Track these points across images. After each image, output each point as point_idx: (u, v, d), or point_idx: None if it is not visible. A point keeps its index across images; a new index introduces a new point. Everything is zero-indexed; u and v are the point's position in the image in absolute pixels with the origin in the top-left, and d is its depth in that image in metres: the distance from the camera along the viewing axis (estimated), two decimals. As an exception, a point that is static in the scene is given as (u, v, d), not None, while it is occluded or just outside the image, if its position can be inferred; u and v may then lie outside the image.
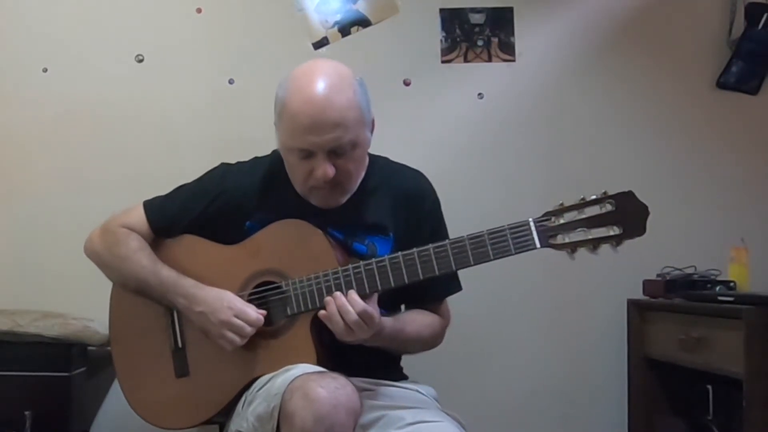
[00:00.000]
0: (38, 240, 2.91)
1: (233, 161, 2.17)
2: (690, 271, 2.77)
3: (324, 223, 2.01)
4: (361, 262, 1.91)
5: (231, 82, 2.97)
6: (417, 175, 2.14)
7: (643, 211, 1.77)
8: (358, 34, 2.98)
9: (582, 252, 1.80)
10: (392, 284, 1.89)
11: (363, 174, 2.04)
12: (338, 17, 2.98)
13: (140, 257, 2.07)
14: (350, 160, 1.96)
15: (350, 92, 1.93)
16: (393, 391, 2.02)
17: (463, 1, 3.02)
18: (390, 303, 2.03)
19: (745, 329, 2.25)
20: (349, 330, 1.85)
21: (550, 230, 1.80)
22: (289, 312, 1.96)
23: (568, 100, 3.04)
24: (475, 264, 1.85)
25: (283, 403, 1.76)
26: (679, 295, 2.68)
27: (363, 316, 1.84)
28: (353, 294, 1.86)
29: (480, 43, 3.02)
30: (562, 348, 2.99)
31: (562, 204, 1.81)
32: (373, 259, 1.90)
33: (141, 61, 2.95)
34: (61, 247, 2.82)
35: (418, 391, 2.06)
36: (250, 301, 2.00)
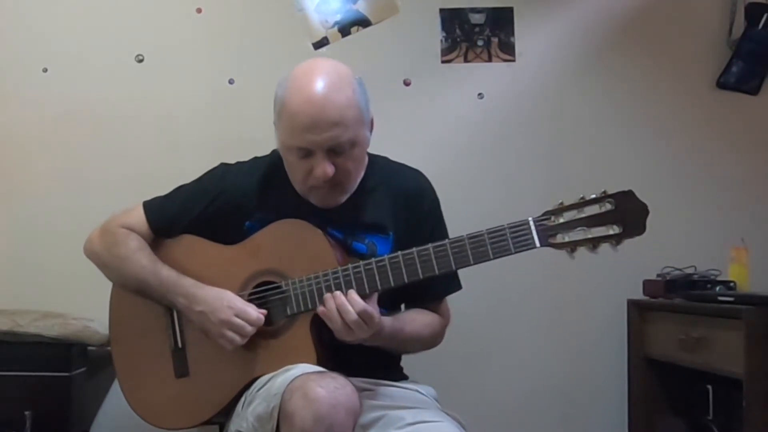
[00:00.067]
0: (38, 240, 2.91)
1: (233, 161, 2.17)
2: (690, 271, 2.77)
3: (324, 222, 2.01)
4: (361, 262, 1.91)
5: (231, 82, 2.97)
6: (416, 174, 2.14)
7: (642, 211, 1.77)
8: (358, 34, 2.98)
9: (582, 251, 1.80)
10: (392, 284, 1.89)
11: (362, 173, 2.04)
12: (338, 17, 2.98)
13: (140, 257, 2.07)
14: (349, 159, 1.96)
15: (349, 91, 1.93)
16: (393, 391, 2.02)
17: (463, 1, 3.02)
18: (390, 302, 2.03)
19: (745, 329, 2.25)
20: (348, 329, 1.85)
21: (550, 229, 1.80)
22: (288, 312, 1.96)
23: (568, 100, 3.04)
24: (475, 263, 1.85)
25: (282, 403, 1.76)
26: (679, 295, 2.68)
27: (363, 315, 1.84)
28: (353, 294, 1.86)
29: (480, 43, 3.02)
30: (562, 348, 2.99)
31: (561, 203, 1.81)
32: (373, 259, 1.90)
33: (141, 61, 2.95)
34: (61, 247, 2.82)
35: (418, 391, 2.06)
36: (249, 301, 2.00)
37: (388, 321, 1.94)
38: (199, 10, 2.97)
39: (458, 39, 3.02)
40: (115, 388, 2.18)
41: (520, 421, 2.96)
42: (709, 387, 2.60)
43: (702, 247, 2.92)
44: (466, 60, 3.02)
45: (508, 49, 3.02)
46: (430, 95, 3.00)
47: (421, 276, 1.87)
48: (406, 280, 1.88)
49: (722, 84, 3.03)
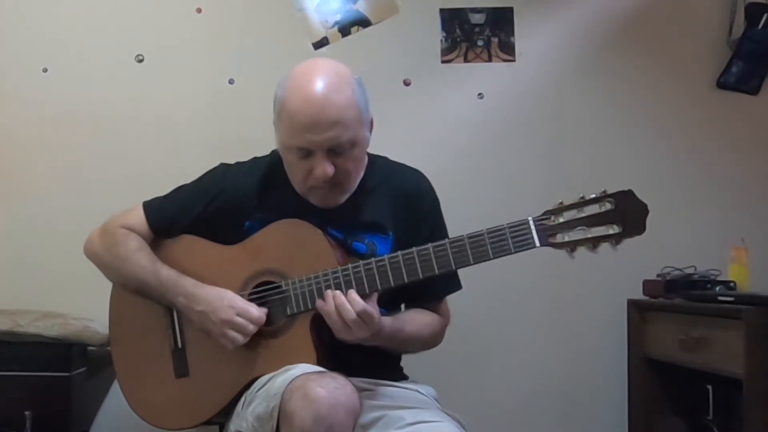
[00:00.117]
0: (38, 240, 2.91)
1: (233, 161, 2.17)
2: (690, 271, 2.77)
3: (323, 222, 2.01)
4: (361, 262, 1.91)
5: (231, 82, 2.97)
6: (416, 174, 2.14)
7: (642, 210, 1.77)
8: (358, 34, 2.98)
9: (582, 252, 1.80)
10: (392, 284, 1.89)
11: (362, 173, 2.04)
12: (338, 17, 2.98)
13: (139, 257, 2.07)
14: (349, 159, 1.96)
15: (349, 91, 1.93)
16: (393, 391, 2.02)
17: (463, 1, 3.02)
18: (390, 302, 2.03)
19: (745, 329, 2.25)
20: (348, 328, 1.85)
21: (550, 229, 1.80)
22: (288, 312, 1.96)
23: (568, 100, 3.04)
24: (475, 263, 1.85)
25: (282, 403, 1.76)
26: (679, 295, 2.68)
27: (362, 315, 1.84)
28: (353, 293, 1.86)
29: (480, 43, 3.02)
30: (562, 348, 2.99)
31: (561, 203, 1.81)
32: (373, 259, 1.90)
33: (141, 61, 2.95)
34: (61, 247, 2.81)
35: (418, 391, 2.06)
36: (249, 301, 2.00)
37: (387, 321, 1.94)
38: (199, 10, 2.97)
39: (458, 39, 3.02)
40: (115, 388, 2.18)
41: (520, 421, 2.96)
42: (709, 387, 2.60)
43: (702, 247, 2.92)
44: (466, 60, 3.02)
45: (508, 49, 3.02)
46: (430, 95, 3.00)
47: (420, 276, 1.87)
48: (406, 280, 1.88)
49: (722, 84, 3.03)
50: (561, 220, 1.80)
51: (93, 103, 2.94)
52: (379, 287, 1.89)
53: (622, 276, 2.89)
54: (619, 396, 2.93)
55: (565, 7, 3.03)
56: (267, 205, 2.07)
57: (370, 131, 2.03)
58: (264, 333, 1.98)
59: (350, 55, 2.85)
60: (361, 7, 2.98)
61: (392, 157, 2.17)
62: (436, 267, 1.86)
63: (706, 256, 2.80)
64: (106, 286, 2.16)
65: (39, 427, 2.44)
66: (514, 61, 3.02)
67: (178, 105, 2.96)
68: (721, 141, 3.05)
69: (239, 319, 1.95)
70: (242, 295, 2.00)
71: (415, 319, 2.05)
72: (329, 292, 1.88)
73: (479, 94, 3.01)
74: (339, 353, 1.93)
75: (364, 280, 1.89)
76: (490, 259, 1.83)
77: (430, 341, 2.10)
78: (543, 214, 1.81)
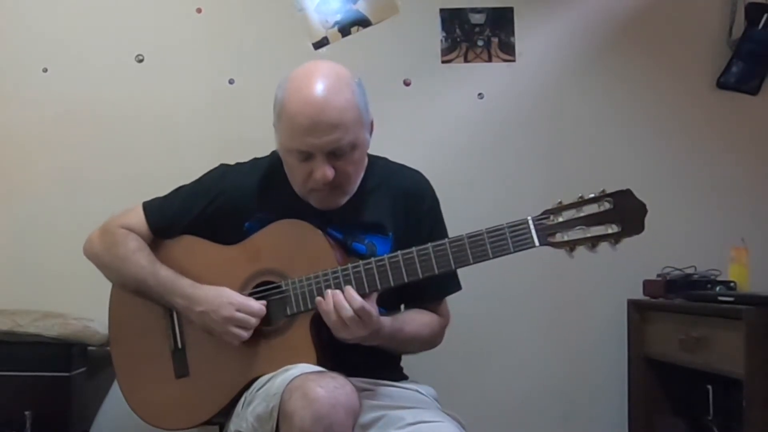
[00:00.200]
0: (38, 240, 2.90)
1: (233, 161, 2.17)
2: (690, 271, 2.77)
3: (323, 223, 2.01)
4: (361, 262, 1.91)
5: (231, 82, 2.97)
6: (416, 174, 2.14)
7: (641, 209, 1.77)
8: (358, 34, 2.98)
9: (582, 251, 1.80)
10: (392, 283, 1.89)
11: (362, 175, 2.04)
12: (338, 17, 2.98)
13: (139, 258, 2.07)
14: (349, 161, 1.96)
15: (349, 93, 1.93)
16: (393, 391, 2.02)
17: (463, 1, 3.01)
18: (389, 303, 2.03)
19: (745, 329, 2.25)
20: (345, 326, 1.85)
21: (549, 228, 1.80)
22: (288, 312, 1.96)
23: (568, 100, 3.03)
24: (475, 263, 1.85)
25: (282, 403, 1.76)
26: (679, 295, 2.68)
27: (360, 312, 1.84)
28: (350, 290, 1.86)
29: (480, 43, 3.02)
30: (562, 348, 2.99)
31: (560, 202, 1.81)
32: (373, 259, 1.90)
33: (141, 61, 2.95)
34: (61, 247, 2.81)
35: (418, 391, 2.06)
36: (249, 298, 2.01)
37: (387, 321, 1.94)
38: (199, 10, 2.97)
39: (458, 39, 3.02)
40: (115, 388, 2.18)
41: (520, 421, 2.96)
42: (709, 387, 2.60)
43: (702, 247, 2.92)
44: (466, 60, 3.02)
45: (508, 49, 3.02)
46: (430, 95, 3.00)
47: (420, 275, 1.87)
48: (405, 280, 1.88)
49: (722, 84, 3.03)
50: (560, 219, 1.80)
51: (93, 103, 2.93)
52: (379, 287, 1.89)
53: (622, 276, 2.89)
54: (619, 396, 2.93)
55: (565, 7, 3.03)
56: (267, 205, 2.07)
57: (371, 133, 2.03)
58: (264, 333, 1.98)
59: (350, 55, 2.86)
60: (361, 7, 2.98)
61: (392, 158, 2.17)
62: (435, 267, 1.86)
63: (706, 256, 2.80)
64: (106, 286, 2.16)
65: (39, 427, 2.44)
66: (514, 61, 3.01)
67: (178, 105, 2.96)
68: (721, 141, 3.05)
69: (240, 315, 1.95)
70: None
71: (414, 319, 2.05)
72: (329, 292, 1.88)
73: (479, 94, 3.01)
74: (339, 353, 1.93)
75: (364, 280, 1.89)
76: (489, 259, 1.83)
77: (429, 341, 2.10)
78: (542, 214, 1.81)
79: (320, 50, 2.96)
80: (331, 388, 1.74)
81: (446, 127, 3.00)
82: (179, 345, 2.07)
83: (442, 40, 3.02)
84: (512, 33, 3.02)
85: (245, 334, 1.96)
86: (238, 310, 1.96)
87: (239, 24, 2.99)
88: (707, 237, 2.96)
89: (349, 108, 1.92)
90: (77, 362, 2.53)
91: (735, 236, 2.75)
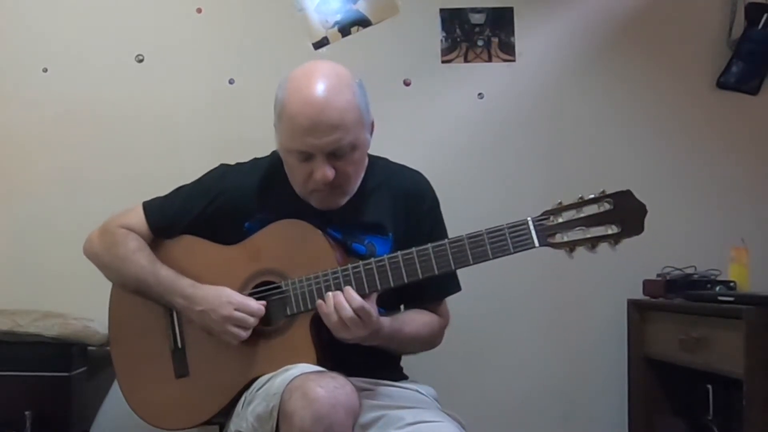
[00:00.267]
0: (38, 240, 2.91)
1: (233, 161, 2.18)
2: (690, 271, 2.76)
3: (323, 223, 2.01)
4: (361, 262, 1.91)
5: (231, 82, 2.97)
6: (416, 175, 2.14)
7: (641, 210, 1.77)
8: (358, 34, 2.98)
9: (582, 252, 1.80)
10: (392, 284, 1.89)
11: (362, 176, 2.04)
12: (338, 17, 2.98)
13: (139, 257, 2.07)
14: (350, 162, 1.96)
15: (349, 94, 1.93)
16: (393, 391, 2.02)
17: (463, 1, 3.01)
18: (389, 303, 2.03)
19: (745, 329, 2.24)
20: (344, 326, 1.85)
21: (549, 229, 1.80)
22: (288, 312, 1.96)
23: (568, 100, 3.03)
24: (474, 263, 1.85)
25: (282, 402, 1.76)
26: (679, 295, 2.67)
27: (359, 312, 1.84)
28: (350, 290, 1.86)
29: (480, 43, 3.02)
30: (562, 348, 2.99)
31: (560, 203, 1.81)
32: (373, 259, 1.90)
33: (141, 61, 2.95)
34: (61, 247, 2.82)
35: (418, 391, 2.06)
36: (248, 298, 2.01)
37: (386, 321, 1.94)
38: (199, 10, 2.97)
39: (458, 39, 3.02)
40: (115, 388, 2.18)
41: (520, 421, 2.96)
42: (709, 387, 2.60)
43: (702, 247, 2.92)
44: (466, 60, 3.02)
45: (508, 49, 3.02)
46: (430, 95, 3.00)
47: (420, 276, 1.87)
48: (405, 280, 1.88)
49: (722, 84, 3.03)
50: (560, 220, 1.80)
51: (93, 103, 2.93)
52: (379, 287, 1.89)
53: (622, 276, 2.89)
54: (619, 396, 2.93)
55: (565, 7, 3.03)
56: (267, 205, 2.07)
57: (371, 133, 2.03)
58: (264, 333, 1.98)
59: (350, 55, 2.86)
60: (361, 7, 2.98)
61: (392, 158, 2.17)
62: (435, 267, 1.86)
63: (706, 256, 2.80)
64: (106, 286, 2.17)
65: (39, 427, 2.44)
66: (514, 61, 3.01)
67: (178, 105, 2.96)
68: (721, 141, 3.05)
69: (239, 314, 1.95)
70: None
71: (414, 319, 2.05)
72: (330, 294, 1.88)
73: (479, 94, 3.01)
74: (339, 353, 1.93)
75: (364, 280, 1.89)
76: (489, 260, 1.84)
77: (429, 341, 2.10)
78: (542, 215, 1.81)
79: (320, 50, 2.96)
80: (331, 388, 1.74)
81: (446, 127, 3.00)
82: (179, 345, 2.07)
83: (442, 40, 3.02)
84: (512, 33, 3.02)
85: (244, 334, 1.96)
86: (237, 310, 1.96)
87: (239, 24, 2.99)
88: (707, 237, 2.96)
89: (349, 108, 1.92)
90: (77, 362, 2.53)
91: (735, 236, 2.75)
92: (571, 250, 1.80)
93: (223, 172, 2.15)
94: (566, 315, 2.99)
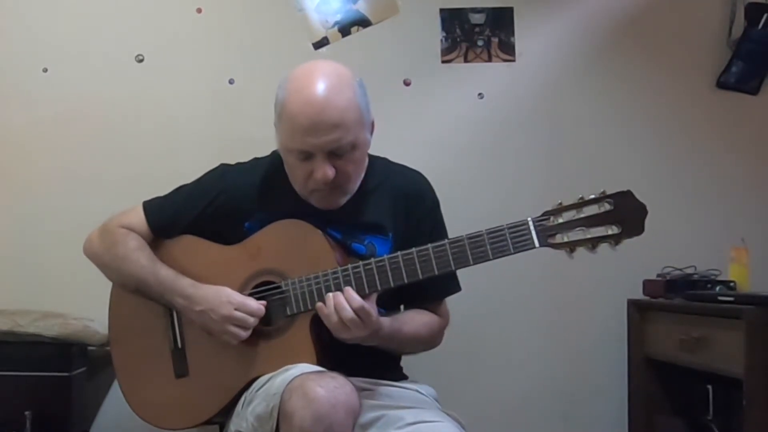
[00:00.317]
0: (38, 240, 2.90)
1: (233, 161, 2.17)
2: (690, 271, 2.77)
3: (323, 223, 2.01)
4: (361, 263, 1.91)
5: (231, 82, 2.97)
6: (416, 175, 2.14)
7: (641, 211, 1.77)
8: (358, 34, 2.98)
9: (582, 252, 1.80)
10: (392, 284, 1.89)
11: (362, 175, 2.04)
12: (338, 17, 2.98)
13: (139, 257, 2.07)
14: (350, 161, 1.96)
15: (350, 93, 1.93)
16: (393, 390, 2.02)
17: (463, 1, 3.01)
18: (389, 303, 2.03)
19: (745, 329, 2.25)
20: (345, 326, 1.85)
21: (549, 229, 1.80)
22: (288, 312, 1.96)
23: (568, 100, 3.03)
24: (474, 263, 1.85)
25: (282, 402, 1.76)
26: (679, 295, 2.68)
27: (359, 312, 1.84)
28: (350, 291, 1.86)
29: (480, 43, 3.02)
30: (562, 348, 2.99)
31: (560, 203, 1.81)
32: (373, 259, 1.90)
33: (141, 61, 2.95)
34: (61, 247, 2.81)
35: (418, 391, 2.06)
36: (248, 298, 2.01)
37: (386, 321, 1.94)
38: (199, 10, 2.97)
39: (458, 39, 3.02)
40: (115, 388, 2.18)
41: (520, 421, 2.96)
42: (709, 387, 2.60)
43: (702, 247, 2.91)
44: (466, 60, 3.02)
45: (508, 49, 3.02)
46: (430, 95, 3.00)
47: (420, 276, 1.87)
48: (405, 281, 1.88)
49: (722, 84, 3.03)
50: (560, 220, 1.80)
51: (93, 103, 2.93)
52: (379, 287, 1.89)
53: (622, 276, 2.89)
54: (619, 396, 2.93)
55: (565, 7, 3.03)
56: (267, 205, 2.07)
57: (371, 133, 2.02)
58: (264, 333, 1.98)
59: (350, 55, 2.86)
60: (361, 7, 2.98)
61: (392, 158, 2.17)
62: (435, 267, 1.86)
63: (706, 256, 2.80)
64: (106, 286, 2.17)
65: (39, 427, 2.44)
66: (514, 61, 3.01)
67: (178, 105, 2.96)
68: (721, 141, 3.05)
69: (239, 314, 1.95)
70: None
71: (414, 319, 2.05)
72: (330, 295, 1.88)
73: (479, 94, 3.01)
74: (339, 353, 1.93)
75: (364, 280, 1.89)
76: (489, 260, 1.83)
77: (429, 341, 2.10)
78: (542, 215, 1.81)
79: (320, 50, 2.96)
80: (331, 388, 1.74)
81: (446, 127, 3.00)
82: (179, 344, 2.07)
83: (442, 40, 3.02)
84: (512, 33, 3.02)
85: (244, 334, 1.96)
86: (237, 310, 1.96)
87: (239, 24, 2.99)
88: (707, 237, 2.96)
89: (350, 108, 1.92)
90: (77, 362, 2.52)
91: (735, 236, 2.75)
92: (572, 250, 1.80)
93: (223, 171, 2.15)
94: (566, 315, 2.99)
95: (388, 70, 2.98)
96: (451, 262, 1.85)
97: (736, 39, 3.02)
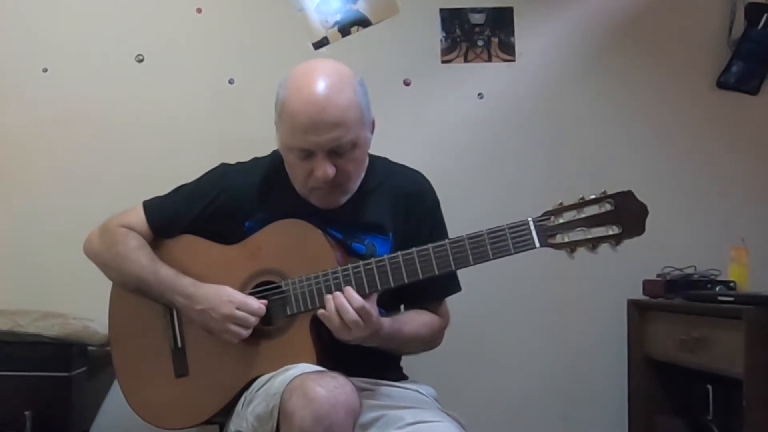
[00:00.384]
0: (38, 240, 2.90)
1: (233, 161, 2.17)
2: (690, 271, 2.77)
3: (324, 223, 2.01)
4: (361, 262, 1.91)
5: (231, 82, 2.97)
6: (416, 175, 2.14)
7: (642, 211, 1.77)
8: (358, 34, 2.98)
9: (582, 252, 1.80)
10: (392, 284, 1.88)
11: (363, 174, 2.04)
12: (338, 17, 2.98)
13: (139, 256, 2.07)
14: (350, 160, 1.96)
15: (350, 92, 1.93)
16: (393, 390, 2.02)
17: (463, 1, 3.01)
18: (389, 303, 2.03)
19: (745, 329, 2.25)
20: (346, 327, 1.85)
21: (550, 230, 1.80)
22: (288, 312, 1.96)
23: (568, 100, 3.03)
24: (475, 263, 1.85)
25: (282, 402, 1.76)
26: (679, 295, 2.68)
27: (361, 312, 1.84)
28: (351, 291, 1.86)
29: (480, 43, 3.02)
30: (562, 348, 2.99)
31: (561, 203, 1.81)
32: (373, 259, 1.90)
33: (141, 61, 2.95)
34: (61, 247, 2.81)
35: (418, 391, 2.06)
36: (248, 298, 2.00)
37: (387, 322, 1.94)
38: (199, 10, 2.96)
39: (458, 39, 3.02)
40: (115, 388, 2.18)
41: (520, 421, 2.96)
42: (709, 387, 2.60)
43: (702, 247, 2.91)
44: (466, 60, 3.02)
45: (508, 49, 3.02)
46: (430, 95, 3.00)
47: (420, 276, 1.87)
48: (406, 280, 1.88)
49: (722, 84, 3.03)
50: (561, 220, 1.80)
51: (93, 103, 2.93)
52: (379, 287, 1.89)
53: (622, 276, 2.89)
54: (619, 396, 2.93)
55: (565, 7, 3.03)
56: (267, 205, 2.07)
57: (372, 132, 2.02)
58: (264, 333, 1.98)
59: (350, 55, 2.85)
60: (361, 7, 2.98)
61: (392, 158, 2.17)
62: (436, 267, 1.86)
63: (706, 256, 2.80)
64: (106, 286, 2.16)
65: (39, 427, 2.44)
66: (514, 61, 3.01)
67: (178, 105, 2.96)
68: (721, 141, 3.05)
69: (240, 313, 1.95)
70: (242, 294, 2.01)
71: (414, 320, 2.05)
72: (329, 297, 1.87)
73: (479, 94, 3.01)
74: (339, 353, 1.93)
75: (364, 280, 1.89)
76: (490, 260, 1.83)
77: (429, 342, 2.10)
78: (543, 215, 1.81)
79: (320, 50, 2.96)
80: (331, 388, 1.74)
81: (446, 127, 3.00)
82: (179, 344, 2.07)
83: (442, 40, 3.02)
84: (512, 33, 3.02)
85: (245, 333, 1.96)
86: (238, 309, 1.96)
87: (239, 24, 2.99)
88: (707, 237, 2.96)
89: (350, 107, 1.92)
90: (77, 362, 2.53)
91: (735, 236, 2.75)
92: (572, 250, 1.80)
93: (223, 171, 2.15)
94: (566, 315, 3.00)
95: (388, 70, 2.98)
96: (452, 262, 1.85)
97: (736, 39, 3.02)
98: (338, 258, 1.95)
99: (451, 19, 3.02)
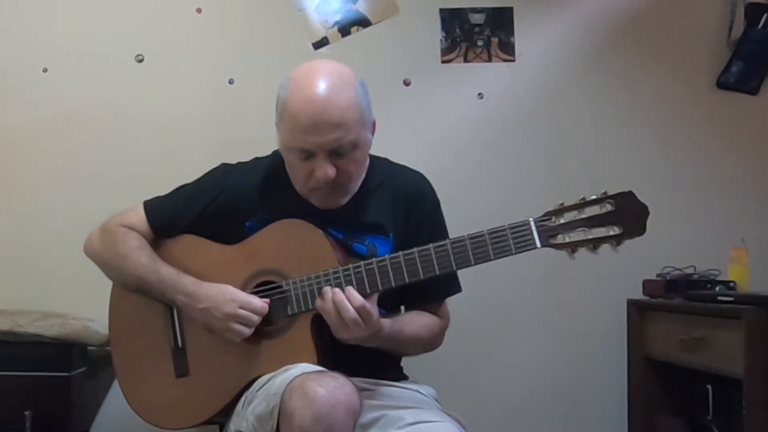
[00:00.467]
0: (38, 240, 2.90)
1: (233, 161, 2.17)
2: (690, 271, 2.77)
3: (324, 223, 2.01)
4: (362, 262, 1.91)
5: (231, 82, 2.97)
6: (417, 175, 2.14)
7: (642, 211, 1.77)
8: (358, 34, 2.98)
9: (582, 252, 1.80)
10: (393, 284, 1.88)
11: (363, 175, 2.04)
12: (338, 17, 2.98)
13: (139, 255, 2.07)
14: (351, 161, 1.96)
15: (351, 92, 1.93)
16: (393, 391, 2.02)
17: (463, 1, 3.02)
18: (390, 304, 2.03)
19: (745, 329, 2.25)
20: (346, 327, 1.85)
21: (551, 230, 1.80)
22: (289, 312, 1.96)
23: (568, 100, 3.03)
24: (476, 264, 1.85)
25: (282, 402, 1.76)
26: (679, 295, 2.68)
27: (361, 312, 1.83)
28: (351, 290, 1.86)
29: (480, 43, 3.02)
30: (562, 348, 2.99)
31: (562, 204, 1.81)
32: (374, 259, 1.90)
33: (141, 61, 2.95)
34: (61, 247, 2.81)
35: (418, 391, 2.06)
36: (249, 298, 2.00)
37: (387, 322, 1.94)
38: (199, 10, 2.97)
39: (458, 39, 3.02)
40: (115, 388, 2.18)
41: (520, 421, 2.96)
42: (709, 387, 2.61)
43: (702, 247, 2.92)
44: (466, 60, 3.02)
45: (508, 49, 3.02)
46: (430, 95, 3.00)
47: (422, 276, 1.87)
48: (407, 280, 1.88)
49: (722, 84, 3.03)
50: (562, 221, 1.80)
51: (93, 103, 2.93)
52: (380, 287, 1.89)
53: (622, 276, 2.89)
54: (619, 396, 2.93)
55: (565, 7, 3.03)
56: (268, 205, 2.06)
57: (372, 133, 2.03)
58: (264, 333, 1.98)
59: (350, 55, 2.85)
60: (361, 7, 2.98)
61: (392, 158, 2.17)
62: (437, 267, 1.86)
63: (706, 256, 2.80)
64: (106, 286, 2.16)
65: (39, 427, 2.44)
66: (514, 61, 3.02)
67: (178, 105, 2.96)
68: (721, 141, 3.05)
69: (243, 312, 1.95)
70: (242, 293, 2.01)
71: (414, 321, 2.04)
72: (327, 289, 1.87)
73: (479, 94, 3.01)
74: (339, 353, 1.93)
75: (365, 279, 1.89)
76: (491, 260, 1.83)
77: (429, 343, 2.10)
78: (544, 215, 1.81)
79: (320, 50, 2.96)
80: (331, 388, 1.74)
81: (446, 127, 3.00)
82: (179, 344, 2.07)
83: (442, 40, 3.02)
84: (512, 33, 3.02)
85: (247, 332, 1.96)
86: (241, 308, 1.96)
87: (239, 24, 2.99)
88: (707, 237, 2.96)
89: (351, 107, 1.92)
90: (77, 362, 2.53)
91: (735, 236, 2.75)
92: (573, 251, 1.80)
93: (223, 171, 2.15)
94: (566, 315, 3.00)
95: (388, 70, 2.98)
96: (453, 262, 1.85)
97: (736, 39, 3.02)
98: (339, 258, 1.95)
99: (451, 19, 3.02)
